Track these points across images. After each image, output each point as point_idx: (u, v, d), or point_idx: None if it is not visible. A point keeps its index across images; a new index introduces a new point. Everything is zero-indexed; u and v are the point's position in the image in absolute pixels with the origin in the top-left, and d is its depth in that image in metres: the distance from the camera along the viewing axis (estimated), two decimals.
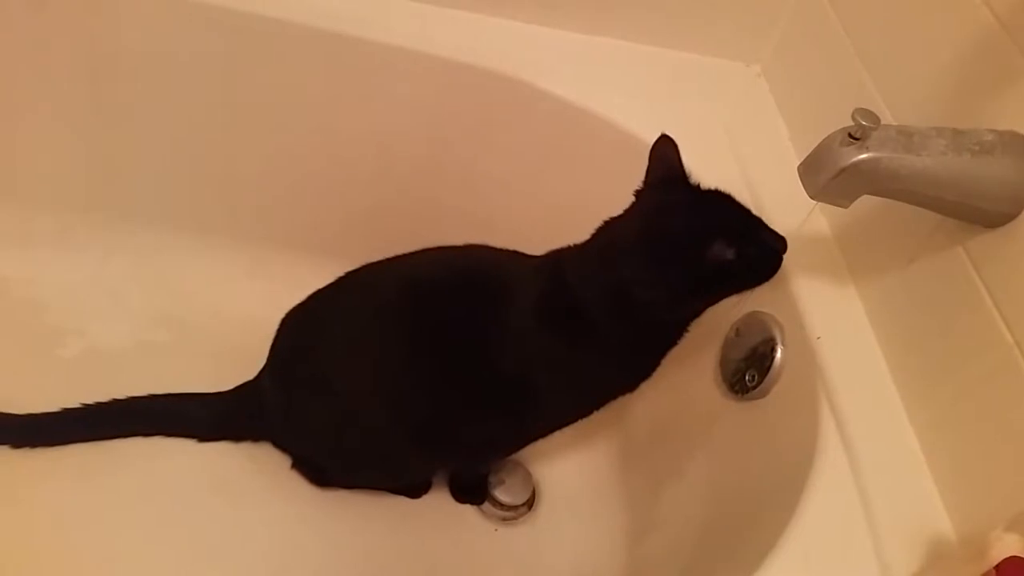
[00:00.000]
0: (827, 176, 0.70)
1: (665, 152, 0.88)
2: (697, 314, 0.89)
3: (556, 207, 1.18)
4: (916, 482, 0.81)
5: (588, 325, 0.87)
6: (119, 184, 1.23)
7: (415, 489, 1.11)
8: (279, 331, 1.00)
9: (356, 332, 0.94)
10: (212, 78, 1.15)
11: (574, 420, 0.98)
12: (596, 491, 1.18)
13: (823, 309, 0.93)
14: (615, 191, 0.90)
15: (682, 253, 0.80)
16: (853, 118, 0.68)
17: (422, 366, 0.91)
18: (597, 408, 0.96)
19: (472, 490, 1.13)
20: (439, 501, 1.14)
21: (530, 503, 1.16)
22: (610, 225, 0.88)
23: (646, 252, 0.81)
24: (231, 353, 1.08)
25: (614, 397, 0.95)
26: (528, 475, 1.17)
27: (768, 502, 0.90)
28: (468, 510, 1.14)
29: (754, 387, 0.94)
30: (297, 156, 1.22)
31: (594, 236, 0.89)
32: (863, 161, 0.69)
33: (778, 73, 1.21)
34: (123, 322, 1.19)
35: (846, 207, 0.74)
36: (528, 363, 0.90)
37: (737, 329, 1.00)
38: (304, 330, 0.98)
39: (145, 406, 1.06)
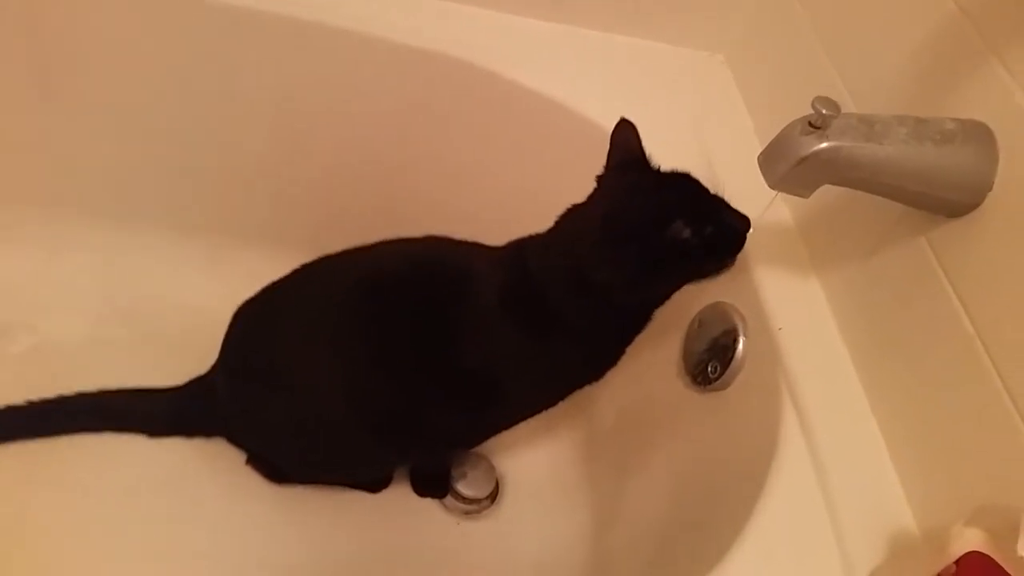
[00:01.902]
0: (786, 166, 0.69)
1: (624, 136, 0.87)
2: (660, 300, 0.88)
3: (523, 196, 1.15)
4: (879, 475, 0.81)
5: (550, 314, 0.86)
6: (70, 176, 1.19)
7: (375, 484, 1.09)
8: (231, 324, 0.97)
9: (311, 326, 0.91)
10: (166, 68, 1.11)
11: (538, 411, 0.97)
12: (560, 483, 1.17)
13: (785, 300, 0.92)
14: (581, 179, 0.88)
15: (640, 233, 0.79)
16: (813, 106, 0.67)
17: (379, 359, 0.89)
18: (562, 398, 0.95)
19: (434, 484, 1.12)
20: (400, 495, 1.12)
21: (493, 496, 1.14)
22: (572, 212, 0.87)
23: (603, 233, 0.79)
24: (187, 347, 1.05)
25: (579, 386, 0.94)
26: (491, 468, 1.15)
27: (730, 495, 0.89)
28: (430, 504, 1.12)
29: (716, 378, 0.93)
30: (255, 146, 1.19)
31: (556, 223, 0.87)
32: (823, 150, 0.68)
33: (742, 61, 1.20)
34: (75, 316, 1.16)
35: (807, 197, 0.72)
36: (490, 354, 0.89)
37: (700, 320, 0.99)
38: (257, 324, 0.95)
39: (93, 402, 1.03)
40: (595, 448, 1.17)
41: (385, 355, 0.89)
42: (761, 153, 0.72)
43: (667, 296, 0.87)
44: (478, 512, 1.13)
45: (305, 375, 0.91)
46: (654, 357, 1.06)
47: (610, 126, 0.89)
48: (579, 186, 0.88)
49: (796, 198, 0.74)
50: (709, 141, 1.07)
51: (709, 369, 0.95)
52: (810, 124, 0.68)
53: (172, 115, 1.15)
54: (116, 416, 1.04)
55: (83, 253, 1.21)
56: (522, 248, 0.89)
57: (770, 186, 0.71)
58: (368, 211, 1.21)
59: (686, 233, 0.79)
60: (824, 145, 0.68)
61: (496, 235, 0.94)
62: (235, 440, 1.03)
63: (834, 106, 0.67)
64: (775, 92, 1.10)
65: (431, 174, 1.21)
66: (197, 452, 1.06)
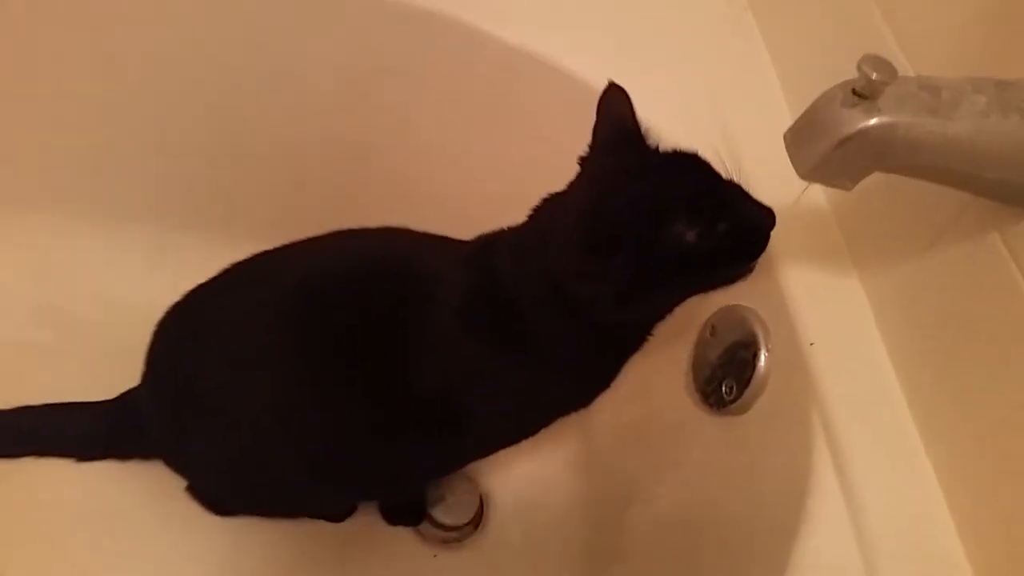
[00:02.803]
0: (823, 149, 0.51)
1: (614, 106, 0.70)
2: (661, 315, 0.71)
3: (502, 173, 1.00)
4: (932, 532, 0.66)
5: (523, 329, 0.70)
6: None
7: (336, 512, 0.94)
8: (155, 334, 0.83)
9: (239, 340, 0.76)
10: (88, 35, 0.96)
11: (514, 442, 0.81)
12: (553, 508, 1.02)
13: (818, 306, 0.75)
14: (570, 154, 0.72)
15: (629, 234, 0.61)
16: (859, 68, 0.49)
17: (321, 382, 0.74)
18: (542, 427, 0.79)
19: (406, 510, 0.98)
20: (368, 524, 0.97)
21: (476, 522, 1.00)
22: (549, 202, 0.71)
23: (583, 235, 0.62)
24: (126, 353, 0.90)
25: (561, 415, 0.78)
26: (473, 489, 1.01)
27: (748, 542, 0.75)
28: (403, 533, 0.98)
29: (732, 401, 0.77)
30: (197, 120, 1.03)
31: (530, 217, 0.71)
32: (872, 128, 0.50)
33: (769, 9, 1.00)
34: (0, 319, 1.02)
35: (849, 189, 0.55)
36: (451, 377, 0.73)
37: (712, 327, 0.82)
38: (180, 335, 0.81)
39: (9, 421, 0.90)
40: (593, 468, 1.02)
41: (325, 378, 0.74)
42: (788, 131, 0.55)
43: (669, 311, 0.70)
44: (459, 541, 0.99)
45: (232, 401, 0.77)
46: (659, 367, 0.90)
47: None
48: (569, 161, 0.72)
49: None
50: (725, 111, 0.88)
51: (724, 388, 0.78)
52: (855, 92, 0.50)
53: (99, 89, 0.99)
54: (36, 438, 0.91)
55: (9, 245, 1.06)
56: (490, 247, 0.73)
57: (801, 175, 0.54)
58: (329, 191, 1.07)
59: (690, 234, 0.62)
60: (874, 121, 0.50)
61: (478, 222, 0.78)
62: (168, 465, 0.89)
63: (887, 68, 0.49)
64: (810, 48, 0.89)
65: (401, 149, 1.05)
66: (134, 478, 0.93)
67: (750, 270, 0.66)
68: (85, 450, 0.92)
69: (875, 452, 0.68)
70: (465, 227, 0.79)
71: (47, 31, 0.94)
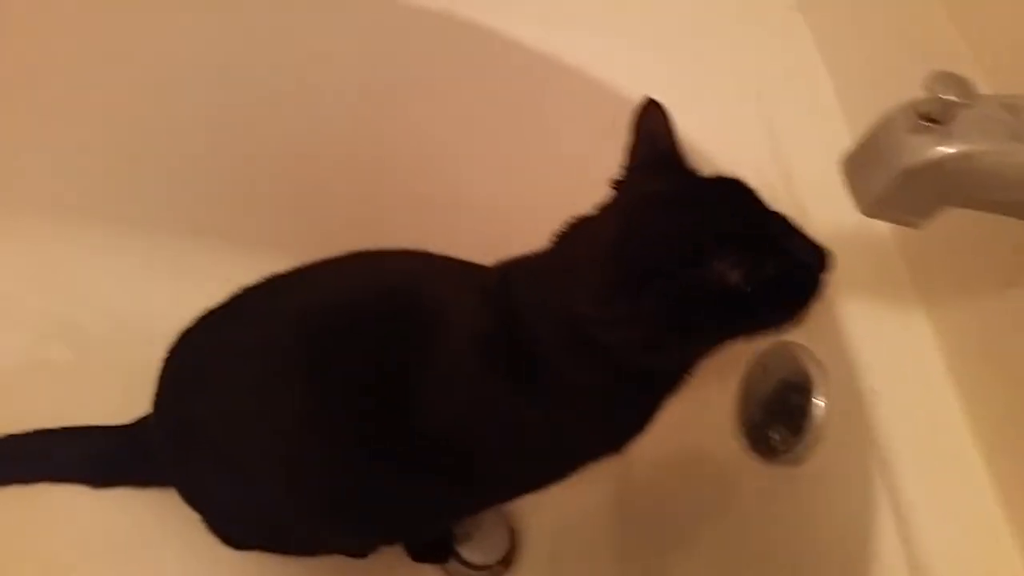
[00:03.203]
0: (886, 182, 0.44)
1: (651, 124, 0.63)
2: (697, 361, 0.64)
3: (529, 187, 0.94)
4: None
5: (546, 371, 0.64)
6: (7, 164, 1.01)
7: (356, 550, 0.89)
8: (164, 361, 0.79)
9: (243, 374, 0.72)
10: (108, 40, 0.92)
11: (540, 487, 0.74)
12: (587, 549, 0.95)
13: (880, 347, 0.66)
14: (601, 168, 0.65)
15: (662, 273, 0.54)
16: (929, 87, 0.41)
17: (328, 422, 0.69)
18: (569, 474, 0.72)
19: (432, 547, 0.92)
20: (392, 559, 0.92)
21: (507, 560, 0.93)
22: (574, 228, 0.64)
23: (611, 274, 0.56)
24: (144, 373, 0.86)
25: (590, 461, 0.71)
26: (505, 526, 0.95)
27: None
28: (428, 571, 0.93)
29: (784, 451, 0.69)
30: (216, 132, 0.99)
31: (553, 244, 0.65)
32: (945, 159, 0.42)
33: (822, 11, 0.90)
34: (11, 334, 1.00)
35: (917, 227, 0.47)
36: (470, 419, 0.67)
37: (762, 366, 0.74)
38: (184, 365, 0.77)
39: (21, 446, 0.88)
40: (631, 508, 0.94)
41: (333, 418, 0.69)
42: (846, 158, 0.47)
43: (706, 356, 0.62)
44: None
45: (236, 438, 0.72)
46: (705, 401, 0.82)
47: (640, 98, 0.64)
48: (602, 178, 0.65)
49: None
50: (775, 120, 0.80)
51: (774, 436, 0.70)
52: (923, 116, 0.42)
53: (115, 99, 0.96)
54: (50, 463, 0.89)
55: (23, 258, 1.03)
56: (509, 277, 0.66)
57: (862, 211, 0.46)
58: (350, 205, 1.02)
59: (734, 274, 0.54)
60: (948, 150, 0.42)
61: (504, 239, 0.72)
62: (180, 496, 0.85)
63: (962, 86, 0.41)
64: (870, 57, 0.80)
65: (422, 161, 0.99)
66: (152, 506, 0.90)
67: (800, 319, 0.58)
68: (100, 476, 0.89)
69: (945, 518, 0.60)
70: (490, 244, 0.73)
71: (61, 39, 0.92)
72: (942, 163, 0.42)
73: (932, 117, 0.42)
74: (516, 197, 0.97)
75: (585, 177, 0.65)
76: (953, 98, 0.41)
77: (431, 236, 0.74)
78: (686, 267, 0.54)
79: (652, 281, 0.54)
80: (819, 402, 0.67)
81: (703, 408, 0.82)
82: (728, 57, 0.86)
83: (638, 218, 0.58)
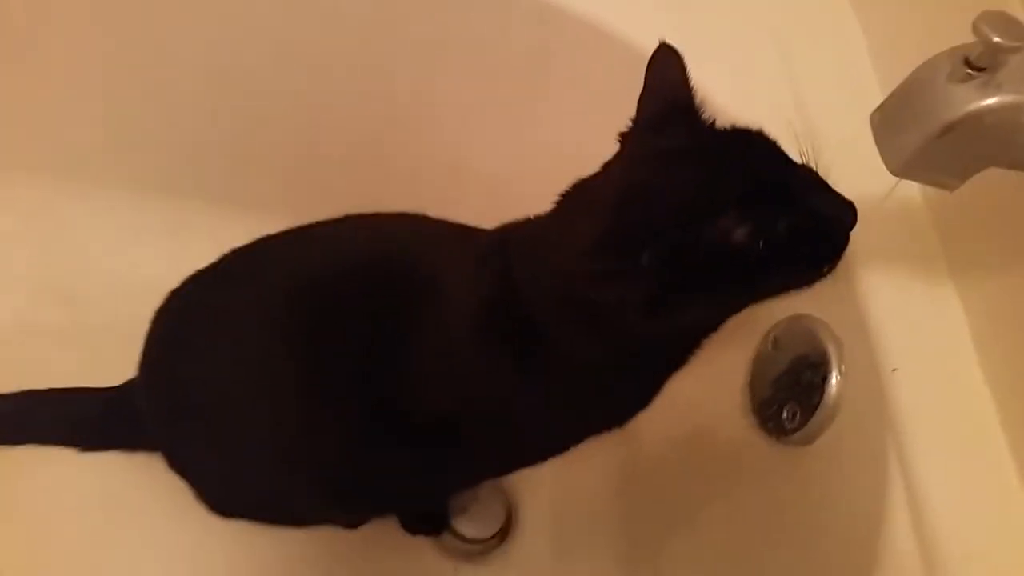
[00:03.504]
0: (922, 137, 0.39)
1: (665, 72, 0.58)
2: (708, 328, 0.60)
3: (538, 149, 0.89)
4: None
5: (544, 341, 0.60)
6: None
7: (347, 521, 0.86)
8: (152, 323, 0.76)
9: (232, 339, 0.69)
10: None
11: (537, 462, 0.71)
12: (587, 524, 0.92)
13: (905, 323, 0.63)
14: (615, 129, 0.61)
15: (663, 229, 0.50)
16: (976, 30, 0.37)
17: (318, 390, 0.66)
18: (569, 447, 0.69)
19: (426, 519, 0.89)
20: (385, 531, 0.89)
21: (503, 534, 0.90)
22: (578, 189, 0.59)
23: (608, 227, 0.51)
24: (138, 335, 0.84)
25: (591, 435, 0.67)
26: (501, 499, 0.91)
27: None
28: (422, 544, 0.89)
29: (795, 429, 0.66)
30: (212, 93, 0.94)
31: (555, 206, 0.60)
32: (991, 110, 0.38)
33: None
34: (2, 296, 0.96)
35: (953, 189, 0.42)
36: (465, 390, 0.64)
37: (775, 339, 0.70)
38: (172, 328, 0.74)
39: (6, 407, 0.85)
40: (634, 482, 0.91)
41: (323, 386, 0.66)
42: (877, 111, 0.42)
43: (718, 323, 0.58)
44: (482, 554, 0.90)
45: (224, 405, 0.70)
46: (714, 375, 0.77)
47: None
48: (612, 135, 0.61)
49: None
50: (799, 77, 0.75)
51: (785, 414, 0.67)
52: (968, 63, 0.38)
53: (117, 57, 0.92)
54: (36, 425, 0.85)
55: (13, 218, 0.99)
56: (507, 241, 0.62)
57: (892, 170, 0.42)
58: (349, 167, 0.97)
59: (739, 232, 0.50)
60: (993, 101, 0.38)
61: (510, 204, 0.67)
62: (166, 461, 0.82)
63: (1016, 28, 0.37)
64: (906, 6, 0.75)
65: (425, 122, 0.94)
66: (139, 471, 0.86)
67: (825, 275, 0.54)
68: (87, 440, 0.86)
69: (964, 505, 0.56)
70: (495, 209, 0.69)
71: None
72: (985, 115, 0.38)
73: (977, 64, 0.37)
74: (523, 159, 0.92)
75: (597, 137, 0.61)
76: (1004, 42, 0.36)
77: (432, 200, 0.71)
78: (689, 224, 0.50)
79: (652, 236, 0.49)
80: (834, 380, 0.63)
81: (712, 383, 0.77)
82: (747, 6, 0.81)
83: (643, 171, 0.54)
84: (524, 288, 0.59)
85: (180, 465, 0.80)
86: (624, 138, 0.60)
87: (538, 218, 0.62)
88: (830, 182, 0.54)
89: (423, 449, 0.66)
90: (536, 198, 0.64)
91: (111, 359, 0.85)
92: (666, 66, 0.58)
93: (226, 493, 0.79)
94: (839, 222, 0.53)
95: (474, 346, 0.62)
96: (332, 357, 0.65)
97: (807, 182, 0.54)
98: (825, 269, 0.54)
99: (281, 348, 0.67)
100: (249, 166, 1.00)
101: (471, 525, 0.89)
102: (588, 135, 0.69)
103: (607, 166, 0.59)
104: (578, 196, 0.58)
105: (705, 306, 0.55)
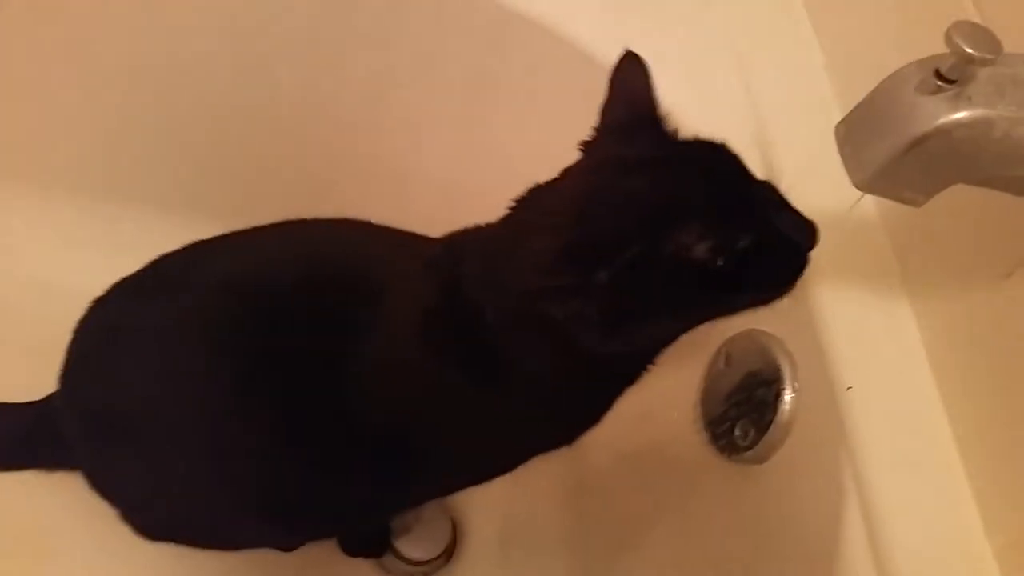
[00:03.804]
0: (889, 151, 0.38)
1: (628, 81, 0.57)
2: (662, 345, 0.58)
3: (493, 155, 0.87)
4: None
5: (493, 354, 0.58)
6: None
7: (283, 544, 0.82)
8: (76, 330, 0.71)
9: (159, 351, 0.65)
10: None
11: (483, 480, 0.68)
12: (535, 543, 0.90)
13: (859, 340, 0.62)
14: (574, 136, 0.59)
15: (621, 244, 0.48)
16: (949, 40, 0.35)
17: (252, 405, 0.62)
18: (516, 466, 0.66)
19: (367, 540, 0.86)
20: (323, 554, 0.85)
21: (448, 554, 0.87)
22: (533, 195, 0.57)
23: (565, 241, 0.49)
24: (55, 348, 0.79)
25: (539, 453, 0.65)
26: (446, 518, 0.89)
27: None
28: (363, 566, 0.86)
29: (748, 447, 0.64)
30: (148, 89, 0.90)
31: (509, 212, 0.58)
32: (961, 124, 0.36)
33: None
34: None
35: (920, 205, 0.41)
36: (409, 404, 0.61)
37: (727, 355, 0.69)
38: (95, 339, 0.69)
39: None
40: (583, 499, 0.89)
41: (257, 401, 0.62)
42: (842, 123, 0.41)
43: (672, 340, 0.56)
44: None
45: (151, 422, 0.65)
46: (665, 390, 0.76)
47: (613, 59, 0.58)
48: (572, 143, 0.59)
49: None
50: (756, 91, 0.74)
51: (737, 431, 0.65)
52: (938, 74, 0.36)
53: (51, 57, 0.87)
54: None
55: None
56: (457, 249, 0.60)
57: (856, 184, 0.40)
58: (298, 172, 0.94)
59: (700, 248, 0.48)
60: (963, 115, 0.36)
61: (463, 211, 0.65)
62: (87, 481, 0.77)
63: (988, 40, 0.36)
64: (867, 10, 0.74)
65: (377, 126, 0.91)
66: (60, 491, 0.80)
67: (781, 296, 0.53)
68: (3, 457, 0.79)
69: (920, 523, 0.55)
70: (448, 217, 0.66)
71: None
72: (956, 129, 0.37)
73: (949, 76, 0.36)
74: (475, 165, 0.90)
75: (550, 144, 0.59)
76: (974, 53, 0.35)
77: (383, 207, 0.68)
78: (646, 237, 0.48)
79: (611, 251, 0.47)
80: (788, 397, 0.62)
81: (664, 398, 0.76)
82: (707, 18, 0.80)
83: (602, 182, 0.52)
84: (474, 299, 0.57)
85: (103, 485, 0.75)
86: (586, 146, 0.58)
87: (490, 226, 0.59)
88: (792, 196, 0.53)
89: (366, 467, 0.63)
90: (489, 205, 0.62)
91: (43, 372, 0.80)
92: (630, 75, 0.57)
93: (154, 515, 0.74)
94: (800, 242, 0.52)
95: (419, 359, 0.59)
96: (269, 370, 0.62)
97: (769, 199, 0.53)
98: (784, 290, 0.53)
99: (214, 360, 0.63)
100: (194, 172, 0.96)
101: (415, 546, 0.86)
102: (541, 141, 0.67)
103: (566, 172, 0.57)
104: (534, 203, 0.56)
105: (663, 323, 0.53)
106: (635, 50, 0.58)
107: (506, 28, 0.80)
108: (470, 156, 0.91)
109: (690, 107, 0.59)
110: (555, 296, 0.49)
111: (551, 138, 0.60)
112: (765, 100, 0.70)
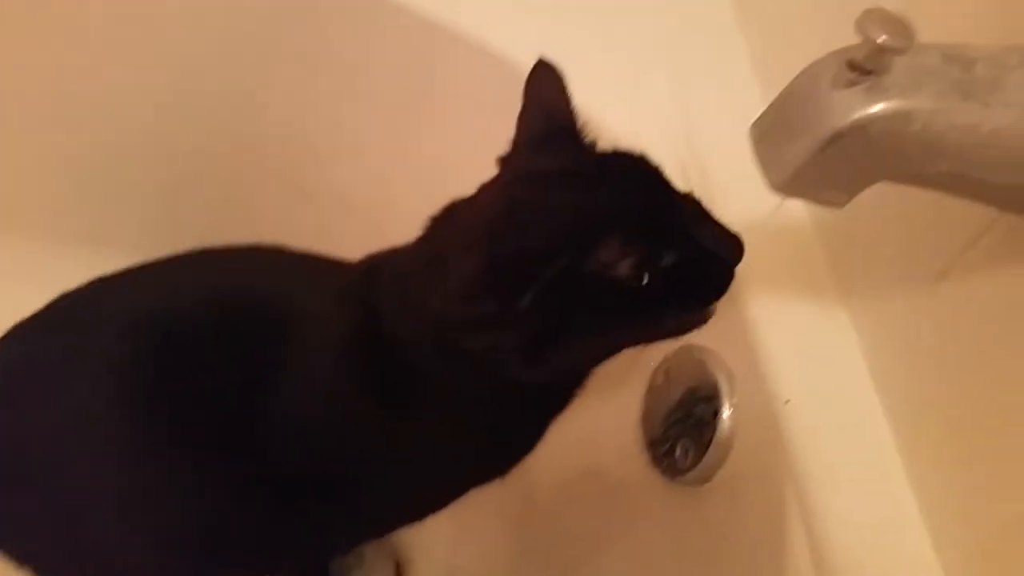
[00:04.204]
0: (804, 150, 0.35)
1: (544, 91, 0.54)
2: (589, 369, 0.55)
3: (417, 173, 0.84)
4: None
5: (415, 384, 0.54)
6: None
7: None
8: None
9: (63, 396, 0.60)
10: None
11: (415, 519, 0.64)
12: (483, 574, 0.85)
13: (796, 349, 0.59)
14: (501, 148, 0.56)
15: (542, 262, 0.45)
16: (860, 28, 0.33)
17: (163, 448, 0.58)
18: (449, 502, 0.62)
19: None
20: None
21: None
22: (448, 214, 0.54)
23: (478, 265, 0.46)
24: None
25: (472, 486, 0.61)
26: (390, 557, 0.84)
27: None
28: None
29: (689, 468, 0.61)
30: (59, 117, 0.85)
31: (423, 233, 0.55)
32: (878, 117, 0.34)
33: None
34: None
35: (841, 206, 0.39)
36: (331, 440, 0.57)
37: (666, 372, 0.66)
38: None
39: None
40: (530, 530, 0.85)
41: (169, 443, 0.57)
42: (755, 124, 0.38)
43: (599, 363, 0.54)
44: None
45: (54, 471, 0.60)
46: (605, 411, 0.73)
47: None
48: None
49: None
50: (681, 95, 0.71)
51: (678, 452, 0.62)
52: (852, 65, 0.34)
53: None
54: None
55: None
56: (375, 274, 0.56)
57: (774, 187, 0.38)
58: (216, 197, 0.90)
59: (623, 265, 0.45)
60: (880, 107, 0.34)
61: (387, 233, 0.61)
62: None
63: (901, 28, 0.33)
64: (791, 17, 0.73)
65: (297, 146, 0.88)
66: None
67: (706, 317, 0.50)
68: None
69: (864, 535, 0.53)
70: (382, 239, 0.63)
71: None
72: (872, 123, 0.34)
73: (863, 67, 0.34)
74: (410, 183, 0.86)
75: (484, 160, 0.56)
76: (889, 43, 0.33)
77: (311, 231, 0.65)
78: (568, 256, 0.45)
79: (529, 274, 0.44)
80: (726, 414, 0.59)
81: (605, 419, 0.73)
82: (629, 21, 0.78)
83: (517, 199, 0.49)
84: (390, 324, 0.53)
85: (8, 542, 0.69)
86: (503, 161, 0.55)
87: (407, 246, 0.56)
88: (715, 204, 0.51)
89: (294, 509, 0.59)
90: (407, 222, 0.59)
91: None
92: (545, 84, 0.54)
93: (66, 569, 0.69)
94: (725, 257, 0.49)
95: (338, 391, 0.56)
96: (183, 409, 0.57)
97: (692, 213, 0.51)
98: (709, 309, 0.51)
99: (124, 402, 0.58)
100: (107, 202, 0.91)
101: None
102: (474, 157, 0.64)
103: (482, 189, 0.54)
104: (449, 222, 0.53)
105: (588, 346, 0.50)
106: (560, 58, 0.55)
107: (432, 42, 0.77)
108: (401, 174, 0.87)
109: (614, 115, 0.56)
110: (472, 327, 0.46)
111: (484, 153, 0.57)
112: (692, 105, 0.68)
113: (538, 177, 0.51)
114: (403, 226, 0.60)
